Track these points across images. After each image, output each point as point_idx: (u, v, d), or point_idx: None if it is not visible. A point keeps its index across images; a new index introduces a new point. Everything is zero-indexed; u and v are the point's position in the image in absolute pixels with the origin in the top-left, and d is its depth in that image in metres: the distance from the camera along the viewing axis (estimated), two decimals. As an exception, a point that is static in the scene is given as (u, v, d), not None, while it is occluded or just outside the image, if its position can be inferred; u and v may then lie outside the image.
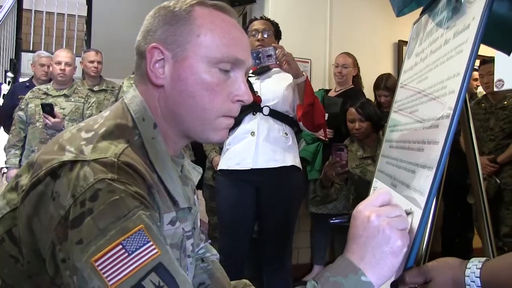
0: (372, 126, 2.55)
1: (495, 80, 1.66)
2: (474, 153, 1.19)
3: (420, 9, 1.36)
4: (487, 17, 0.81)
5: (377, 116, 2.56)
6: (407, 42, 4.11)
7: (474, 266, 0.75)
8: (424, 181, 0.93)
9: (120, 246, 0.59)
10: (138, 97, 0.79)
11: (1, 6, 5.06)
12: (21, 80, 4.99)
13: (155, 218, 0.67)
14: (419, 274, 0.82)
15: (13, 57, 5.44)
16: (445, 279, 0.77)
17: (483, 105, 3.10)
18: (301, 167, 2.32)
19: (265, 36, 2.28)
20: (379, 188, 0.75)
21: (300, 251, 3.69)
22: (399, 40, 4.02)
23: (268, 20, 2.42)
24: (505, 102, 2.97)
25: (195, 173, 0.99)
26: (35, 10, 6.40)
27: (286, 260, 2.41)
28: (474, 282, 0.73)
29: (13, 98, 3.70)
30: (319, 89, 3.51)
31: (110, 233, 0.60)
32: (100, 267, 0.58)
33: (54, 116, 3.00)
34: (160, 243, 0.63)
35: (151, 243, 0.61)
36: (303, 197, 2.43)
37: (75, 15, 6.52)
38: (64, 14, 6.48)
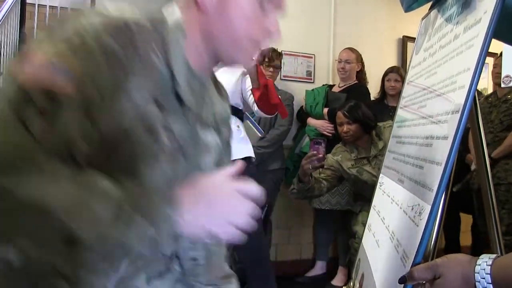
0: (362, 128, 2.55)
1: (502, 76, 1.65)
2: (483, 150, 1.19)
3: (428, 5, 1.35)
4: (500, 11, 0.80)
5: (366, 117, 2.55)
6: (411, 37, 4.09)
7: (484, 262, 0.74)
8: (433, 177, 0.92)
9: None
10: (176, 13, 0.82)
11: (5, 0, 5.04)
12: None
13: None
14: (428, 270, 0.81)
15: (17, 51, 5.44)
16: (455, 275, 0.77)
17: (490, 99, 3.09)
18: (254, 156, 2.37)
19: None
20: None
21: (302, 247, 3.69)
22: (403, 36, 3.99)
23: None
24: (509, 96, 2.95)
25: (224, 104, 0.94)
26: (38, 4, 6.38)
27: (265, 254, 2.44)
28: (484, 278, 0.73)
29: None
30: (323, 85, 3.49)
31: None
32: None
33: None
34: None
35: None
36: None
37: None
38: (67, 8, 6.46)
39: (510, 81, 1.62)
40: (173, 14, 0.81)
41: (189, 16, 0.82)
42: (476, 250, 3.33)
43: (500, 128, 2.92)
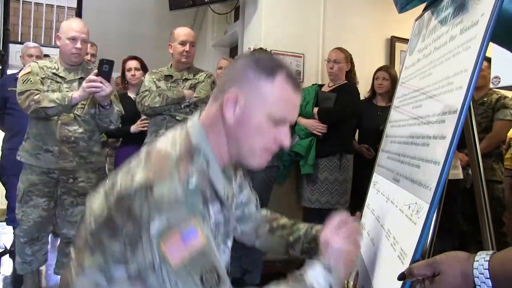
0: None
1: (491, 77, 1.69)
2: (476, 150, 1.21)
3: (421, 6, 1.37)
4: (497, 14, 0.82)
5: None
6: (399, 38, 4.11)
7: (482, 258, 0.76)
8: (430, 176, 0.94)
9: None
10: (201, 131, 0.99)
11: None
12: (9, 72, 4.91)
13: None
14: (427, 267, 0.83)
15: (1, 49, 5.34)
16: (454, 272, 0.78)
17: None
18: None
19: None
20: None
21: (291, 245, 3.70)
22: (391, 36, 4.04)
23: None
24: (485, 99, 3.07)
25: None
26: (23, 1, 6.28)
27: None
28: (482, 274, 0.74)
29: (2, 90, 3.62)
30: (313, 84, 3.51)
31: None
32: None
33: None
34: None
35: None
36: None
37: (64, 6, 6.42)
38: (53, 5, 6.36)
39: (499, 82, 1.65)
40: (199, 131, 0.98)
41: (217, 125, 0.98)
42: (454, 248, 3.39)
43: (478, 130, 2.99)
